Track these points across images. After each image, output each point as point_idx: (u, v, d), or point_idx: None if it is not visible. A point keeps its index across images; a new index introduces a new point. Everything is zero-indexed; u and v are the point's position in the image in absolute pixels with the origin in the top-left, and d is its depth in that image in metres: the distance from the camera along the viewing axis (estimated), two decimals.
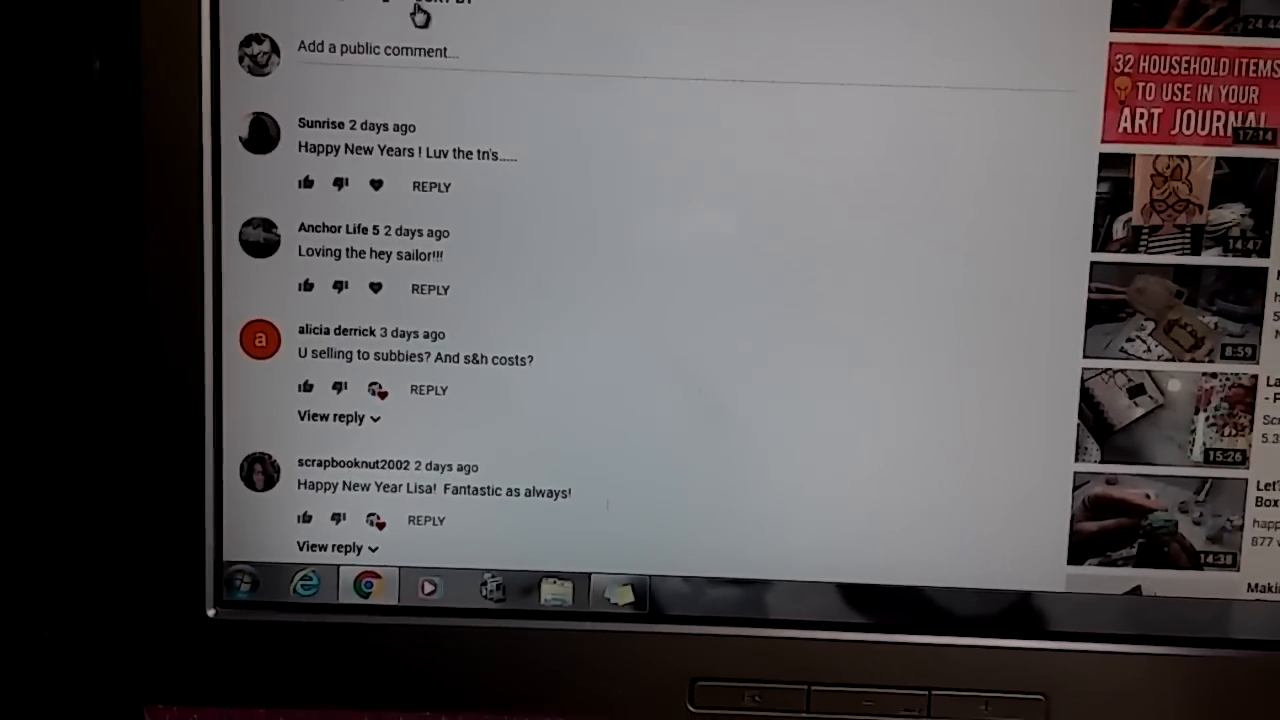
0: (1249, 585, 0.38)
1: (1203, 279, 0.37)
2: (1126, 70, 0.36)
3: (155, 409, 0.37)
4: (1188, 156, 0.37)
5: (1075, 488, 0.38)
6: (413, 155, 0.37)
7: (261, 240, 0.37)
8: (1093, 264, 0.37)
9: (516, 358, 0.37)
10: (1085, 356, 0.37)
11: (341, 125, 0.36)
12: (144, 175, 0.36)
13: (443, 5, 0.36)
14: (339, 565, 0.39)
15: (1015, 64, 0.36)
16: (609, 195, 0.37)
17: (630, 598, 0.39)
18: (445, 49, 0.36)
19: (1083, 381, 0.37)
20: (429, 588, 0.39)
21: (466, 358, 0.37)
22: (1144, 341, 0.37)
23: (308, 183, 0.37)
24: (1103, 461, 0.38)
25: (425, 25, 0.36)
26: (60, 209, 0.39)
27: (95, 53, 0.38)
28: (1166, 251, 0.37)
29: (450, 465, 0.38)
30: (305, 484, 0.38)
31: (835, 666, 0.38)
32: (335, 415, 0.38)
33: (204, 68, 0.36)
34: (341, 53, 0.36)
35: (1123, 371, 0.37)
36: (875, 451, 0.38)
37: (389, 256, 0.37)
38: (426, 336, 0.37)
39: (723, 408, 0.38)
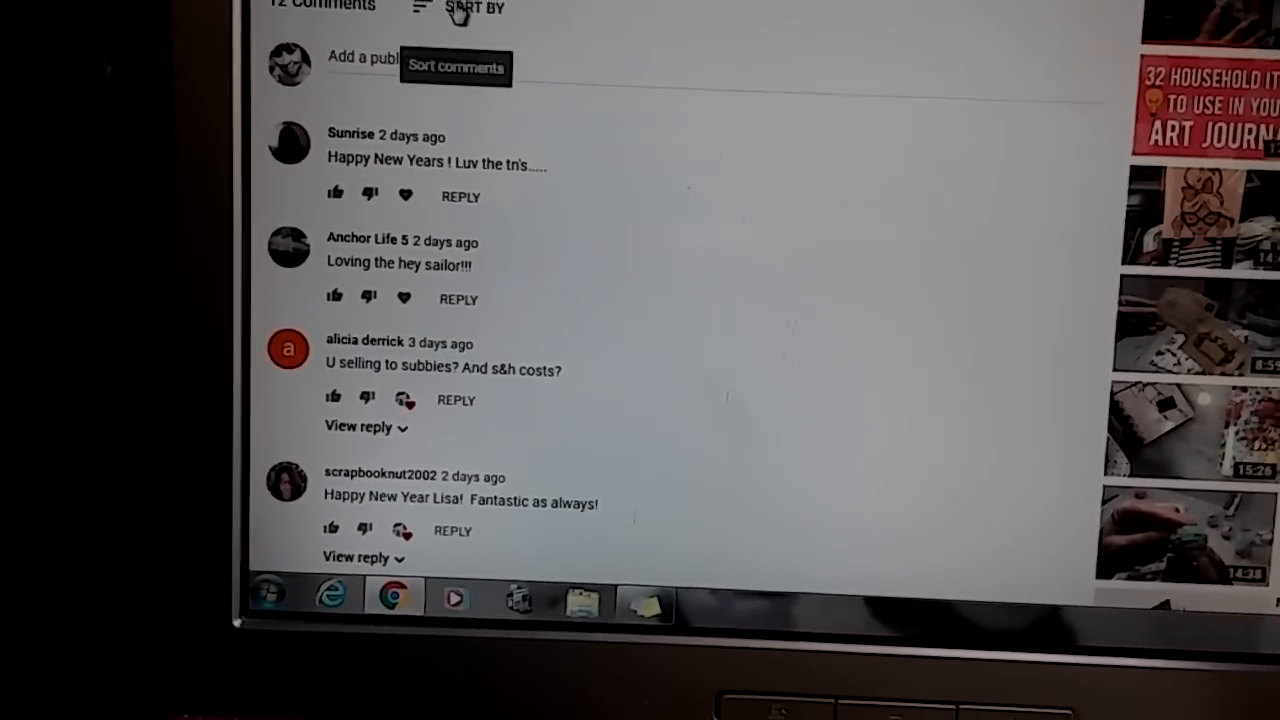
0: (1278, 600, 0.38)
1: (1233, 292, 0.37)
2: (1158, 83, 0.36)
3: (184, 418, 0.37)
4: (1219, 169, 0.36)
5: (1104, 501, 0.38)
6: (442, 165, 0.37)
7: (291, 250, 0.37)
8: (1123, 277, 0.37)
9: (544, 368, 0.37)
10: (1115, 370, 0.37)
11: (371, 135, 0.36)
12: (174, 184, 0.36)
13: (478, 15, 0.36)
14: (365, 575, 0.38)
15: (1046, 76, 0.36)
16: (637, 206, 0.37)
17: (656, 610, 0.39)
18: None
19: (1112, 395, 0.37)
20: (455, 598, 0.39)
21: (494, 368, 0.37)
22: (1174, 355, 0.37)
23: (337, 192, 0.37)
24: (1132, 475, 0.38)
25: (464, 24, 0.36)
26: (87, 219, 0.39)
27: (106, 58, 0.38)
28: (1197, 264, 0.37)
29: (477, 476, 0.38)
30: (332, 494, 0.38)
31: (862, 680, 0.38)
32: (363, 425, 0.38)
33: (235, 77, 0.36)
34: (372, 63, 0.36)
35: (1153, 385, 0.37)
36: (903, 464, 0.38)
37: (418, 266, 0.37)
38: (454, 346, 0.37)
39: (750, 419, 0.37)
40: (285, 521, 0.38)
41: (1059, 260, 0.37)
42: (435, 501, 0.38)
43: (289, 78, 0.36)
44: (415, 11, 0.36)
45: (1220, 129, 0.36)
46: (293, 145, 0.36)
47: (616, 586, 0.39)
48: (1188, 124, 0.36)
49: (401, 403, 0.38)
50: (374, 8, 0.36)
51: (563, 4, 0.36)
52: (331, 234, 0.37)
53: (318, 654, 0.38)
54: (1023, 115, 0.36)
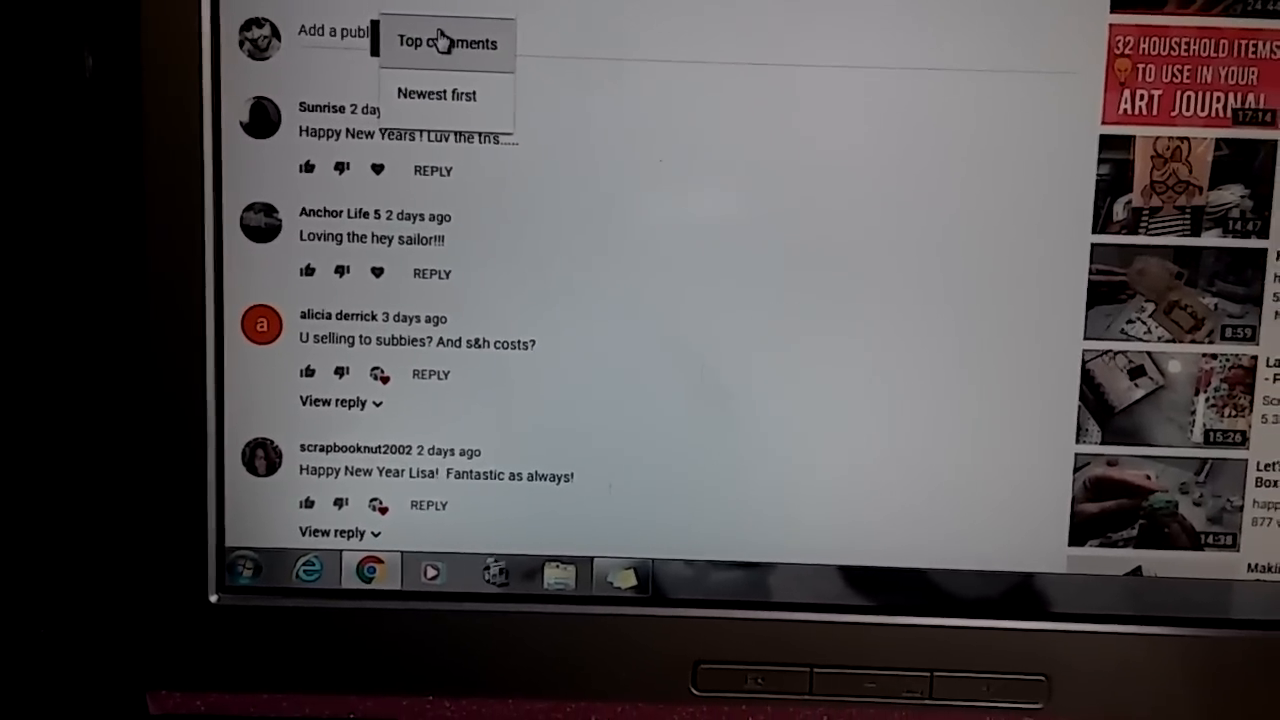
0: (1249, 565, 0.39)
1: (1203, 260, 0.37)
2: (1126, 52, 0.36)
3: (157, 395, 0.37)
4: (1187, 138, 0.37)
5: (1076, 469, 0.38)
6: (414, 139, 0.37)
7: (263, 225, 0.37)
8: (1093, 246, 0.37)
9: (519, 342, 0.37)
10: (1086, 338, 0.37)
11: (342, 109, 0.36)
12: (144, 161, 0.36)
13: None
14: (341, 550, 0.39)
15: (1016, 46, 0.36)
16: (611, 178, 0.37)
17: (633, 581, 0.39)
18: None
19: (1084, 363, 0.37)
20: (431, 572, 0.39)
21: (468, 342, 0.37)
22: (1144, 323, 0.37)
23: (308, 167, 0.37)
24: (1103, 443, 0.38)
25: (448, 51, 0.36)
26: (58, 197, 0.39)
27: (88, 46, 0.38)
28: (1167, 233, 0.37)
29: (453, 450, 0.38)
30: (307, 469, 0.38)
31: (838, 648, 0.38)
32: (337, 400, 0.38)
33: (204, 52, 0.36)
34: (342, 36, 0.36)
35: (1123, 353, 0.38)
36: (877, 434, 0.38)
37: (390, 241, 0.37)
38: (428, 321, 0.37)
39: (725, 391, 0.38)
40: (261, 497, 0.38)
41: (1030, 229, 0.37)
42: (411, 476, 0.38)
43: (259, 52, 0.36)
44: None
45: (1189, 97, 0.36)
46: (263, 120, 0.36)
47: (593, 559, 0.39)
48: (1156, 93, 0.36)
49: (376, 378, 0.38)
50: None
51: None
52: (303, 209, 0.37)
53: (295, 629, 0.38)
54: (992, 85, 0.36)
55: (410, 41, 0.36)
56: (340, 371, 0.38)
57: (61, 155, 0.39)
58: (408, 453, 0.38)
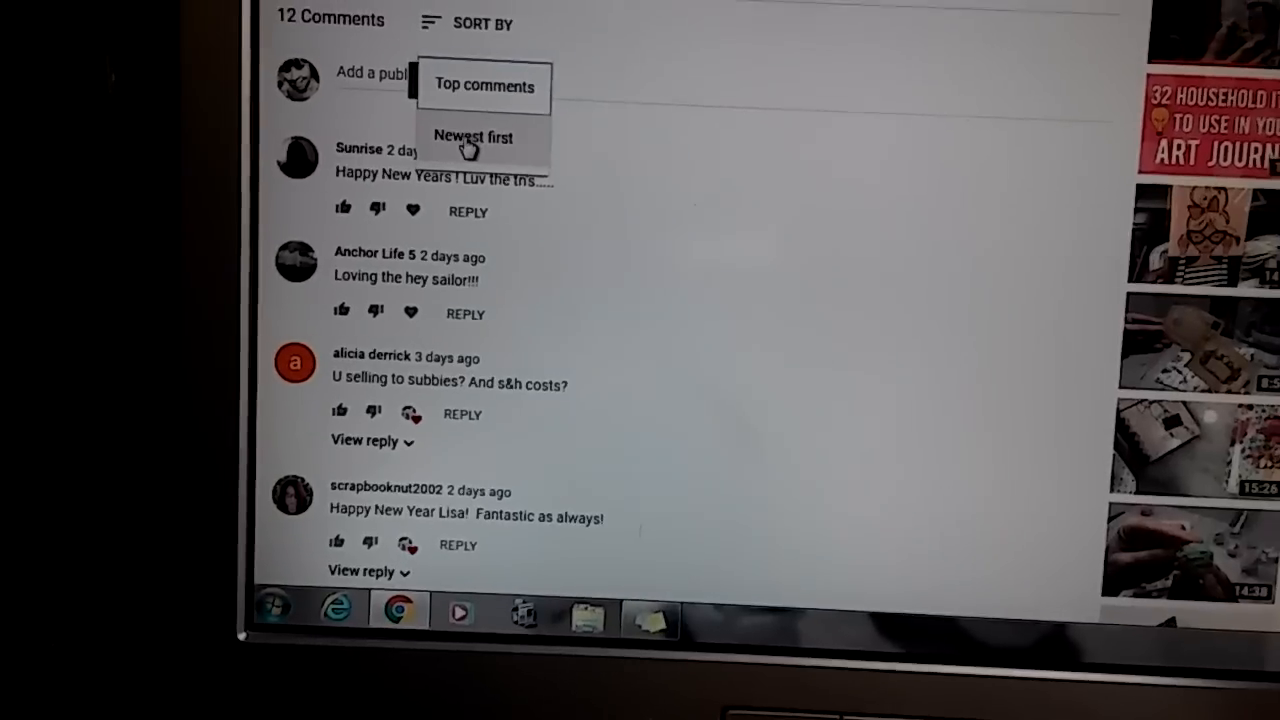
0: None
1: (1239, 310, 0.37)
2: (1164, 102, 0.36)
3: (190, 431, 0.37)
4: (1225, 188, 0.37)
5: (1110, 519, 0.38)
6: (449, 180, 0.37)
7: (298, 264, 0.37)
8: (1129, 295, 0.37)
9: (550, 383, 0.37)
10: (1121, 387, 0.37)
11: (379, 150, 0.37)
12: (182, 198, 0.36)
13: (482, 32, 0.36)
14: (370, 589, 0.38)
15: (1053, 95, 0.36)
16: (644, 221, 0.37)
17: (662, 625, 0.39)
18: None
19: (1118, 412, 0.37)
20: (460, 613, 0.39)
21: (501, 382, 0.37)
22: (1180, 372, 0.37)
23: (345, 207, 0.37)
24: (1138, 492, 0.38)
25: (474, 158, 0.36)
26: (93, 229, 0.40)
27: (110, 66, 0.38)
28: (1203, 283, 0.37)
29: (483, 490, 0.38)
30: (338, 507, 0.38)
31: (868, 696, 0.38)
32: (369, 439, 0.38)
33: (244, 92, 0.36)
34: (381, 78, 0.36)
35: (1159, 402, 0.37)
36: (910, 481, 0.38)
37: (425, 281, 0.37)
38: (461, 361, 0.37)
39: (756, 435, 0.38)
40: (291, 535, 0.38)
41: (1065, 278, 0.37)
42: (441, 515, 0.38)
43: (298, 93, 0.36)
44: (424, 28, 0.36)
45: (1226, 148, 0.36)
46: (301, 160, 0.37)
47: (622, 601, 0.38)
48: (1193, 143, 0.36)
49: (408, 417, 0.38)
50: (383, 24, 0.36)
51: (569, 23, 0.36)
52: (339, 248, 0.37)
53: (322, 667, 0.38)
54: (1029, 133, 0.36)
55: (448, 84, 0.36)
56: (372, 410, 0.38)
57: (88, 179, 0.39)
58: (438, 492, 0.38)
